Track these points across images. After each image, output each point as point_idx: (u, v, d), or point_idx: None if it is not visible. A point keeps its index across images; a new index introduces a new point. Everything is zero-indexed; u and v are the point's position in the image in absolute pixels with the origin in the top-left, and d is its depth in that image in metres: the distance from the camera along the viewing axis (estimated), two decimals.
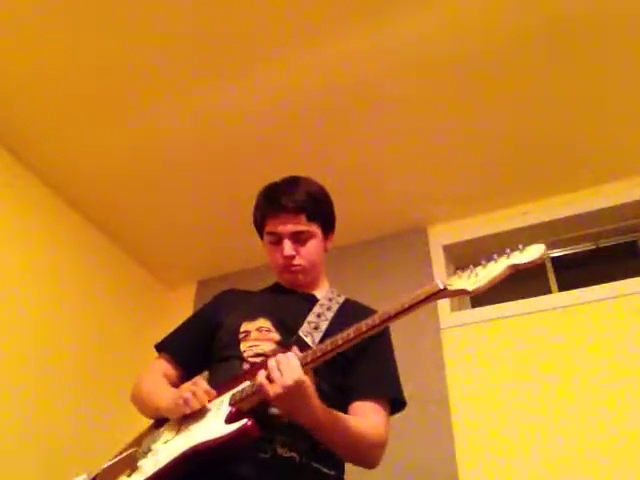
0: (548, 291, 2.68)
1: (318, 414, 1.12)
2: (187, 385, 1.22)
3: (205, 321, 1.49)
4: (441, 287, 1.06)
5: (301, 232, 1.45)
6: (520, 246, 1.04)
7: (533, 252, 1.03)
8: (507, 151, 2.59)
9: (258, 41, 2.16)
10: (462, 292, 1.06)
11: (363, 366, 1.32)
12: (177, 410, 1.19)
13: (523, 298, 2.58)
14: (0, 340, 2.36)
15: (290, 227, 1.43)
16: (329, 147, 2.59)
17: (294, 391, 1.06)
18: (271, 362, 1.09)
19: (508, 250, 1.05)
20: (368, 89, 2.34)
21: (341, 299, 1.48)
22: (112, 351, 2.90)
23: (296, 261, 1.44)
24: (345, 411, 1.29)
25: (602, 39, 2.13)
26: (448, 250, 2.90)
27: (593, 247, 2.80)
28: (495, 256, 1.06)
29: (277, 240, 1.45)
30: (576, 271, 2.80)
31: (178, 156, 2.65)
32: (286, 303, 1.45)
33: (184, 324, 1.53)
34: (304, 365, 1.09)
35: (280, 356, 1.10)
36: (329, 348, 1.10)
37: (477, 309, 2.71)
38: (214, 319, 1.45)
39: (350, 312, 1.40)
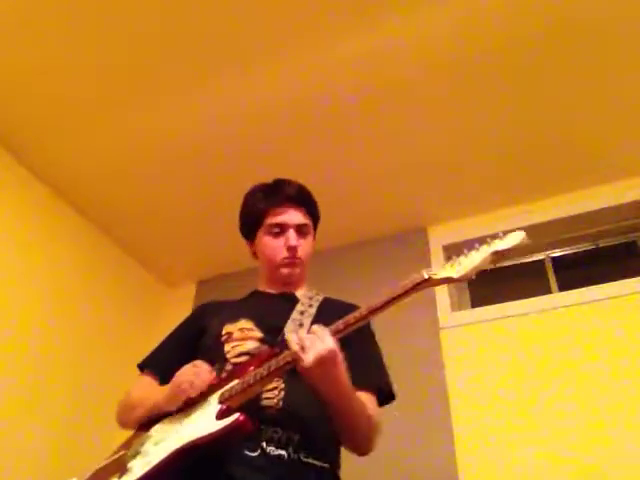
0: (548, 291, 2.68)
1: (345, 384, 1.14)
2: (187, 367, 1.21)
3: (187, 335, 1.48)
4: (426, 277, 1.10)
5: (305, 225, 1.47)
6: (500, 234, 1.08)
7: (513, 238, 1.06)
8: (507, 151, 2.59)
9: (258, 41, 2.16)
10: (448, 280, 1.10)
11: (353, 358, 1.31)
12: (180, 395, 1.19)
13: (523, 298, 2.58)
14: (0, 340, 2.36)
15: (298, 218, 1.46)
16: (330, 148, 2.58)
17: (326, 359, 1.08)
18: (301, 333, 1.11)
19: (489, 239, 1.09)
20: (367, 90, 2.34)
21: (320, 297, 1.48)
22: (112, 351, 2.90)
23: (298, 253, 1.44)
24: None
25: (602, 40, 2.13)
26: (448, 250, 2.90)
27: (593, 247, 2.80)
28: (477, 245, 1.10)
29: (280, 232, 1.45)
30: (576, 271, 2.80)
31: (178, 156, 2.65)
32: (267, 304, 1.45)
33: (165, 341, 1.51)
34: (333, 335, 1.11)
35: (313, 327, 1.12)
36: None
37: (477, 309, 2.71)
38: (196, 328, 1.45)
39: (331, 308, 1.40)
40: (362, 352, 1.35)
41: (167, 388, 1.24)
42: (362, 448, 1.27)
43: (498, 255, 1.07)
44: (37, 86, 2.34)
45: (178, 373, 1.23)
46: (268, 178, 1.57)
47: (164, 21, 2.09)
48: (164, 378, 1.39)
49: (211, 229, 3.04)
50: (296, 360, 1.09)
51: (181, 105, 2.41)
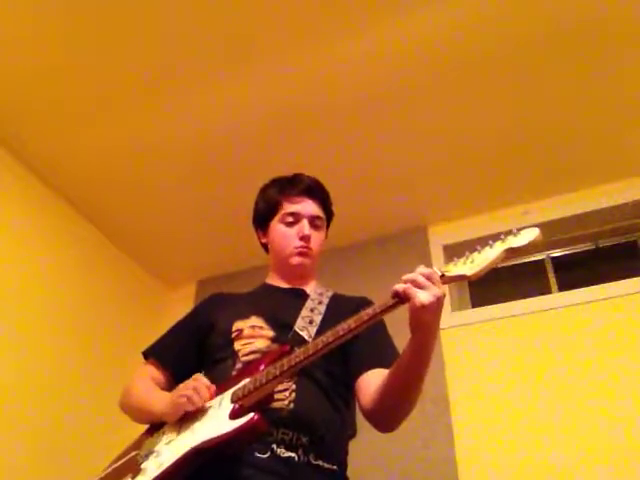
0: (548, 291, 2.68)
1: (435, 336, 1.11)
2: (188, 382, 1.20)
3: (193, 325, 1.48)
4: (439, 274, 1.07)
5: (319, 217, 1.49)
6: (514, 230, 1.04)
7: (528, 235, 1.02)
8: (507, 151, 2.59)
9: (260, 42, 2.16)
10: (461, 277, 1.06)
11: (370, 341, 1.32)
12: (178, 409, 1.18)
13: (523, 298, 2.58)
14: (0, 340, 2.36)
15: (313, 209, 1.48)
16: (330, 149, 2.58)
17: (440, 303, 1.05)
18: (416, 274, 1.06)
19: (502, 235, 1.05)
20: (367, 90, 2.33)
21: (330, 293, 1.48)
22: (112, 351, 2.90)
23: (310, 244, 1.45)
24: (343, 397, 1.31)
25: (603, 39, 2.13)
26: (448, 250, 2.90)
27: (593, 247, 2.79)
28: (490, 241, 1.05)
29: (294, 221, 1.46)
30: (576, 271, 2.80)
31: (178, 156, 2.65)
32: (277, 300, 1.45)
33: (171, 330, 1.51)
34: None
35: (425, 270, 1.07)
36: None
37: (477, 309, 2.71)
38: (204, 322, 1.44)
39: (341, 304, 1.41)
40: (377, 335, 1.35)
41: (167, 398, 1.24)
42: (404, 416, 1.24)
43: (512, 252, 1.02)
44: (37, 86, 2.34)
45: (178, 387, 1.22)
46: (267, 178, 1.58)
47: (165, 21, 2.09)
48: (168, 366, 1.41)
49: (211, 229, 3.04)
50: (413, 299, 1.04)
51: (181, 105, 2.41)
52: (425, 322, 1.08)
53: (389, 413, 1.25)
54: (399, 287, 1.06)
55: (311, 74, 2.28)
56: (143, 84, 2.33)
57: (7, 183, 2.58)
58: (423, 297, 1.03)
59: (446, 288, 1.09)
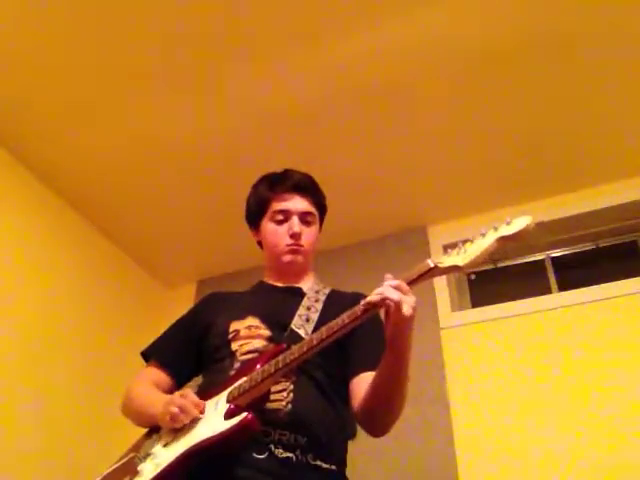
0: (548, 291, 2.68)
1: (410, 344, 1.12)
2: (175, 398, 1.18)
3: (192, 325, 1.47)
4: (432, 265, 1.07)
5: (309, 213, 1.48)
6: (507, 219, 1.04)
7: (520, 223, 1.03)
8: (507, 151, 2.59)
9: (259, 42, 2.16)
10: (454, 269, 1.07)
11: (365, 341, 1.31)
12: (165, 425, 1.18)
13: (523, 298, 2.58)
14: None
15: (303, 205, 1.46)
16: (330, 147, 2.59)
17: (414, 313, 1.07)
18: (391, 284, 1.07)
19: (495, 225, 1.06)
20: (368, 90, 2.34)
21: (327, 290, 1.47)
22: (112, 351, 2.90)
23: (301, 241, 1.44)
24: (342, 396, 1.30)
25: (603, 40, 2.13)
26: (448, 250, 2.90)
27: (593, 247, 2.79)
28: (483, 231, 1.06)
29: (284, 219, 1.45)
30: (576, 271, 2.80)
31: (178, 157, 2.65)
32: (273, 299, 1.45)
33: (169, 330, 1.51)
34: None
35: (398, 282, 1.08)
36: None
37: (477, 309, 2.71)
38: (202, 322, 1.43)
39: (338, 301, 1.39)
40: (372, 335, 1.33)
41: (163, 401, 1.22)
42: (391, 422, 1.24)
43: (505, 241, 1.03)
44: (37, 86, 2.34)
45: (171, 397, 1.20)
46: None
47: (165, 21, 2.09)
48: (169, 366, 1.41)
49: (211, 229, 3.04)
50: (396, 308, 1.05)
51: (181, 105, 2.41)
52: (400, 332, 1.09)
53: (375, 418, 1.24)
54: (390, 295, 1.06)
55: (311, 74, 2.28)
56: (143, 84, 2.33)
57: (7, 183, 2.59)
58: (406, 309, 1.05)
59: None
